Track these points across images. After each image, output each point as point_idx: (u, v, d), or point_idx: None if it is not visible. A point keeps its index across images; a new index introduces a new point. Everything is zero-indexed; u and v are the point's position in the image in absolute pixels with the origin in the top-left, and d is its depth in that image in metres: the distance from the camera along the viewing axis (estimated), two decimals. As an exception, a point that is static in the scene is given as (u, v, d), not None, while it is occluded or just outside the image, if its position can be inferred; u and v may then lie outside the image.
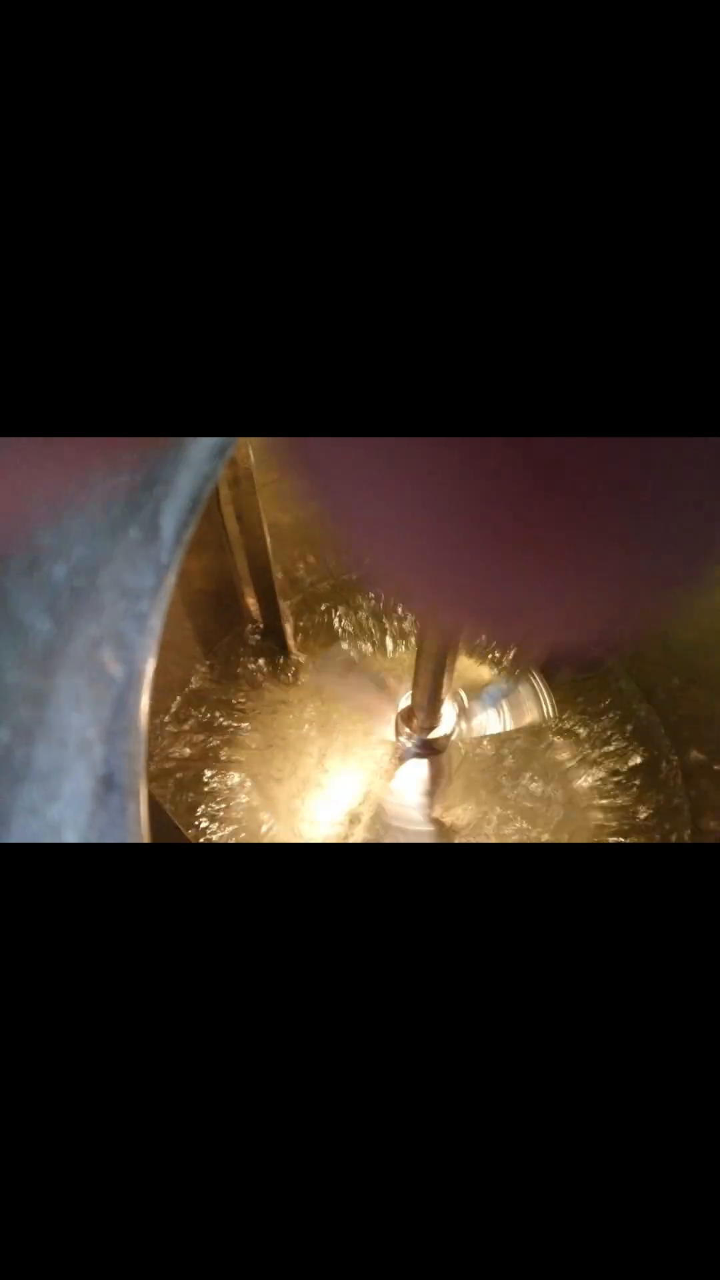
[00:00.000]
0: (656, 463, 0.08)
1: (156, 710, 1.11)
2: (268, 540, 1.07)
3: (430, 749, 0.89)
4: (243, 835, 1.07)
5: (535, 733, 1.13)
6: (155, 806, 0.85)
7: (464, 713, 0.91)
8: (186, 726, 1.14)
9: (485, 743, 1.14)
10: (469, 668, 1.23)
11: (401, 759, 1.00)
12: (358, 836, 1.06)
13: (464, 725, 0.92)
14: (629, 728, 1.15)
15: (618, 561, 0.09)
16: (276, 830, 1.07)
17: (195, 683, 1.17)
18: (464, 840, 1.06)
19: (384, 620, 1.26)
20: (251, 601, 1.18)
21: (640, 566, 0.10)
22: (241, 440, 0.87)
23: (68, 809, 0.23)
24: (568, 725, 1.16)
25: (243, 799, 1.09)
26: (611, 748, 1.14)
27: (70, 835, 0.25)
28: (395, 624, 1.26)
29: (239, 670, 1.20)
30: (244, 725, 1.15)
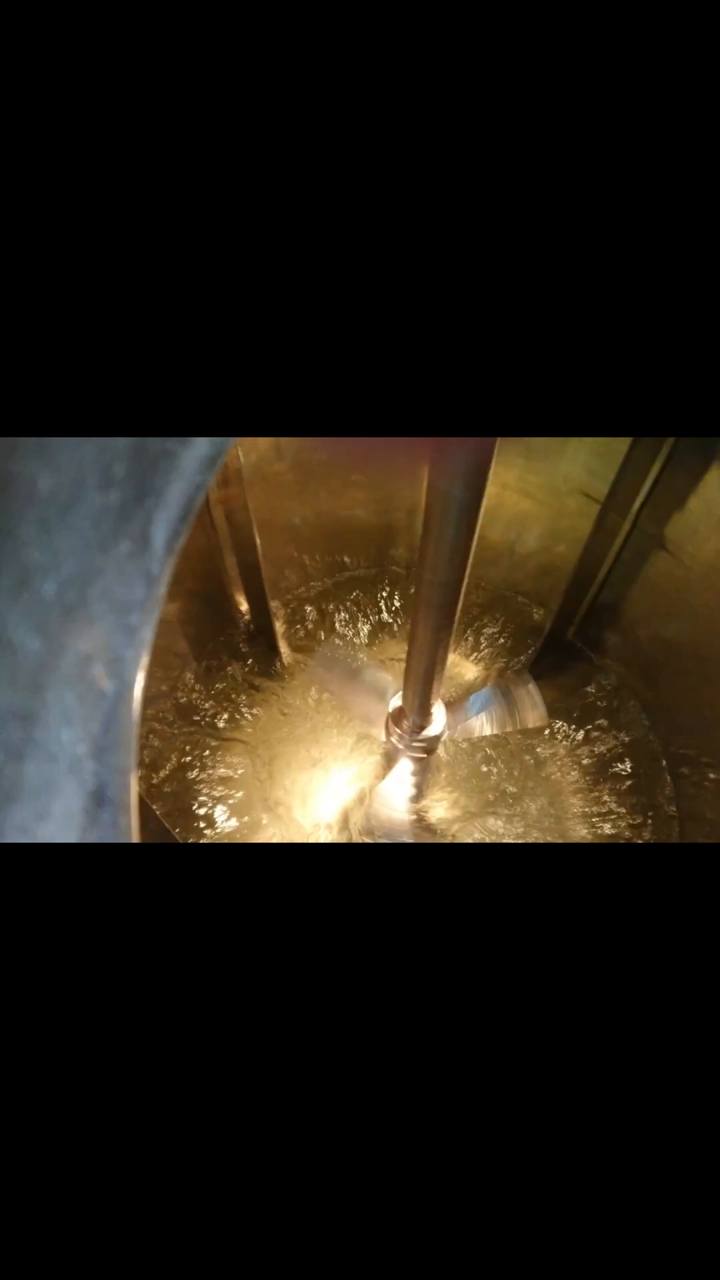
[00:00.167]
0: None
1: (145, 713, 1.10)
2: (257, 539, 1.06)
3: (421, 749, 0.89)
4: (234, 837, 1.07)
5: (525, 734, 1.14)
6: (146, 810, 0.85)
7: (454, 714, 0.92)
8: (176, 729, 1.13)
9: (476, 743, 1.14)
10: (460, 670, 1.23)
11: (392, 759, 1.00)
12: (349, 836, 1.06)
13: (454, 726, 0.92)
14: (619, 732, 1.16)
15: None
16: (268, 831, 1.07)
17: (185, 684, 1.17)
18: (454, 840, 1.06)
19: (375, 619, 1.26)
20: (241, 601, 1.18)
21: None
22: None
23: (59, 827, 0.23)
24: (557, 726, 1.16)
25: (234, 800, 1.09)
26: (602, 749, 1.15)
27: (61, 853, 0.25)
28: (386, 623, 1.26)
29: (229, 670, 1.19)
30: (234, 726, 1.15)
